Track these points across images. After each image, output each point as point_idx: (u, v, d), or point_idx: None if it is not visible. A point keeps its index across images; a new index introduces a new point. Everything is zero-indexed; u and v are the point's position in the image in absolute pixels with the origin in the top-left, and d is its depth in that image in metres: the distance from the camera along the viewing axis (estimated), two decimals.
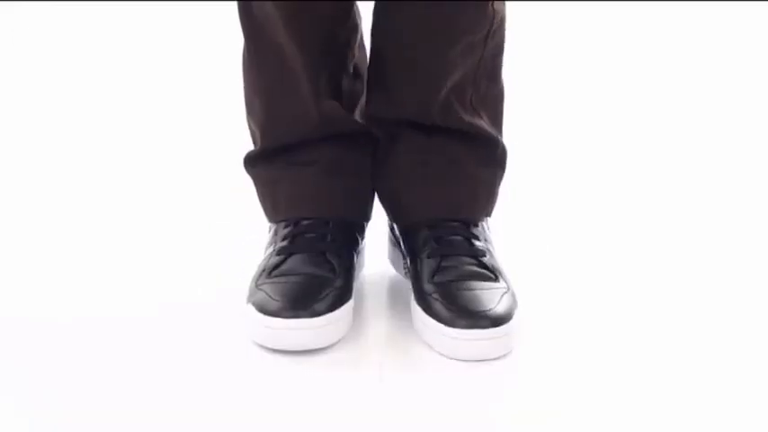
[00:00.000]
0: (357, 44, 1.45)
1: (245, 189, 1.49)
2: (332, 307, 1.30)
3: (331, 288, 1.32)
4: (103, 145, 2.01)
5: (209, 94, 2.21)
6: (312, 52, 1.38)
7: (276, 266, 1.35)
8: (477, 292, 1.32)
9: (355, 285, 1.38)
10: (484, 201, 1.44)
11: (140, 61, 2.40)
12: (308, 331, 1.28)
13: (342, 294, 1.32)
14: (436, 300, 1.32)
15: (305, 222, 1.40)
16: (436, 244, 1.38)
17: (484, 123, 1.42)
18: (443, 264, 1.36)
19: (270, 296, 1.31)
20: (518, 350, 1.31)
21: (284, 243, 1.38)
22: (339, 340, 1.31)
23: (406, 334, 1.37)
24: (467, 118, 1.40)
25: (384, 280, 1.48)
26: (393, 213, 1.46)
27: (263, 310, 1.30)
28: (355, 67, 1.45)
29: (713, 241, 1.62)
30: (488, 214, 1.45)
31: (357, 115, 1.46)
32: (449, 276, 1.34)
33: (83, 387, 1.24)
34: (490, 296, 1.31)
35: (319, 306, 1.29)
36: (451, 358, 1.29)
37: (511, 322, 1.30)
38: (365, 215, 1.45)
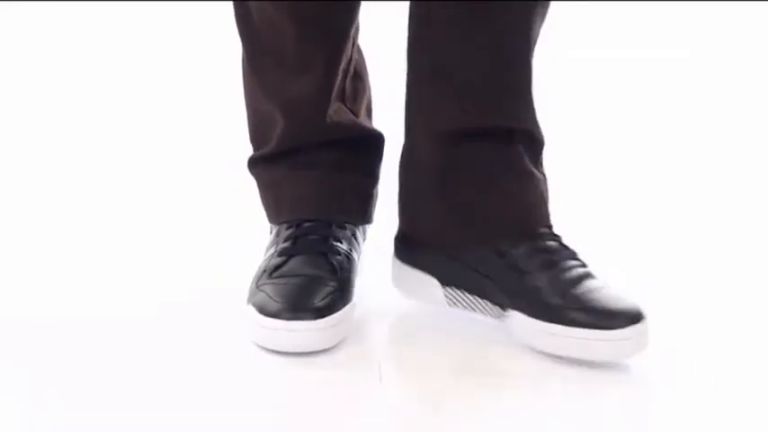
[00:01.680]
0: (356, 45, 1.45)
1: (245, 189, 1.49)
2: (333, 308, 1.30)
3: (332, 290, 1.32)
4: (104, 145, 2.01)
5: (210, 94, 2.21)
6: (320, 54, 1.37)
7: (277, 267, 1.35)
8: (605, 291, 1.29)
9: (356, 285, 1.38)
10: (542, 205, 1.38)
11: (141, 62, 2.40)
12: (308, 333, 1.28)
13: (343, 296, 1.32)
14: (576, 309, 1.28)
15: (307, 224, 1.39)
16: (546, 254, 1.33)
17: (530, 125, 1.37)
18: (563, 276, 1.30)
19: (270, 297, 1.31)
20: (521, 349, 1.31)
21: (286, 244, 1.38)
22: (340, 342, 1.31)
23: (407, 335, 1.37)
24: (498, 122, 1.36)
25: (385, 281, 1.47)
26: (461, 231, 1.36)
27: (264, 311, 1.30)
28: (355, 69, 1.45)
29: (727, 245, 1.62)
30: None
31: (362, 116, 1.45)
32: (575, 288, 1.29)
33: (82, 387, 1.24)
34: (619, 293, 1.29)
35: (320, 307, 1.29)
36: (619, 359, 1.27)
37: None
38: (367, 217, 1.45)
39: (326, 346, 1.30)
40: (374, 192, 1.46)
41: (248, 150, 1.47)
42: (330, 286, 1.32)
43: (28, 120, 2.13)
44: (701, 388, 1.24)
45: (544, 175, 1.39)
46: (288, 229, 1.40)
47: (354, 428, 1.18)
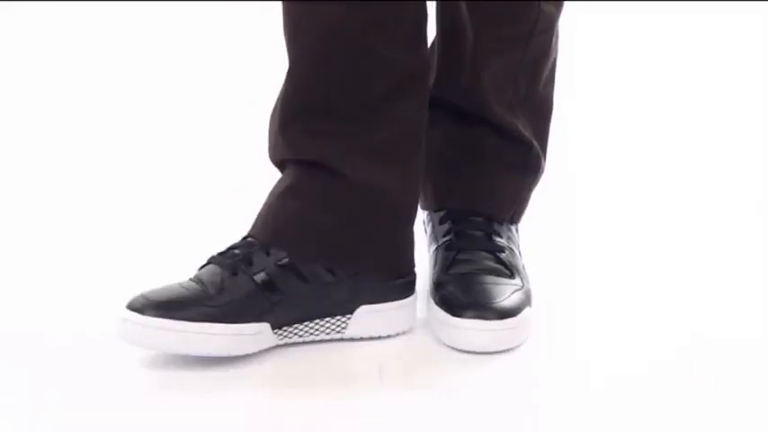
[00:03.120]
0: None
1: (246, 189, 1.49)
2: (187, 317, 1.25)
3: (201, 305, 1.26)
4: (104, 145, 2.01)
5: (210, 94, 2.21)
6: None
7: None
8: (488, 285, 1.32)
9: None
10: (505, 201, 1.42)
11: (141, 61, 2.40)
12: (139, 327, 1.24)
13: (211, 314, 1.25)
14: (447, 291, 1.33)
15: (246, 239, 1.34)
16: (456, 237, 1.38)
17: (519, 126, 1.41)
18: (459, 257, 1.36)
19: (148, 294, 1.27)
20: (523, 351, 1.31)
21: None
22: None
23: (407, 333, 1.37)
24: (502, 114, 1.40)
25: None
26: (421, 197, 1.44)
27: (129, 304, 1.26)
28: None
29: (740, 250, 1.62)
30: (513, 221, 1.43)
31: None
32: (463, 269, 1.35)
33: (82, 388, 1.24)
34: (501, 290, 1.32)
35: (182, 314, 1.25)
36: (456, 349, 1.29)
37: (518, 317, 1.30)
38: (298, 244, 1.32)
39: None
40: (320, 219, 1.33)
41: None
42: (202, 301, 1.26)
43: (28, 120, 2.14)
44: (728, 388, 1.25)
45: (523, 180, 1.42)
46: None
47: (354, 428, 1.18)
